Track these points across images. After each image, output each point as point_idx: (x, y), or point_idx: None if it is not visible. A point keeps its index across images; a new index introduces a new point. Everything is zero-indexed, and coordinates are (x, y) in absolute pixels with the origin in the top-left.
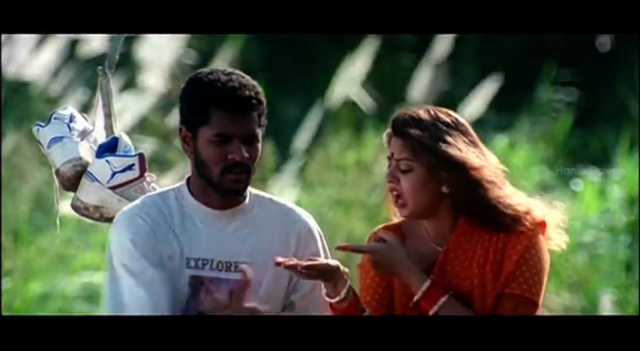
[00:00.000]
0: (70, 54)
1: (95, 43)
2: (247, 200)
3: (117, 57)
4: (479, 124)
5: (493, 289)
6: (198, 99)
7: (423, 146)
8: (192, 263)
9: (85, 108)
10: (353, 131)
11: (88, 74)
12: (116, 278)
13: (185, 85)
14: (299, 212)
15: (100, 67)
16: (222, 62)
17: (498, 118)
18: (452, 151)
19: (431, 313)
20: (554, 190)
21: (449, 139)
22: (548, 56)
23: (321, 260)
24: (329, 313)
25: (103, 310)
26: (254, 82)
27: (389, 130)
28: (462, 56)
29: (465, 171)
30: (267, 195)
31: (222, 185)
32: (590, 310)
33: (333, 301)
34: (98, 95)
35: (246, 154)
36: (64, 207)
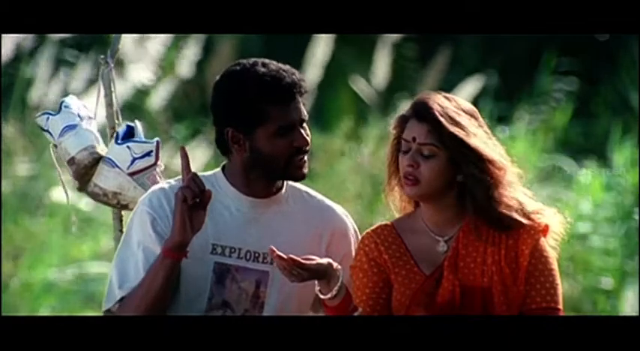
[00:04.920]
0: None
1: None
2: (283, 190)
3: (119, 47)
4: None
5: (513, 285)
6: (250, 99)
7: (451, 134)
8: (219, 250)
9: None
10: (354, 122)
11: (63, 54)
12: (127, 245)
13: (225, 86)
14: (336, 211)
15: (102, 56)
16: (222, 52)
17: (498, 108)
18: (479, 144)
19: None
20: (553, 180)
21: (473, 129)
22: (548, 45)
23: (314, 260)
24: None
25: (110, 272)
26: (287, 65)
27: (405, 113)
28: (461, 45)
29: (491, 168)
30: (303, 188)
31: (289, 174)
32: (586, 300)
33: (325, 297)
34: (100, 84)
35: (308, 138)
36: (56, 196)
